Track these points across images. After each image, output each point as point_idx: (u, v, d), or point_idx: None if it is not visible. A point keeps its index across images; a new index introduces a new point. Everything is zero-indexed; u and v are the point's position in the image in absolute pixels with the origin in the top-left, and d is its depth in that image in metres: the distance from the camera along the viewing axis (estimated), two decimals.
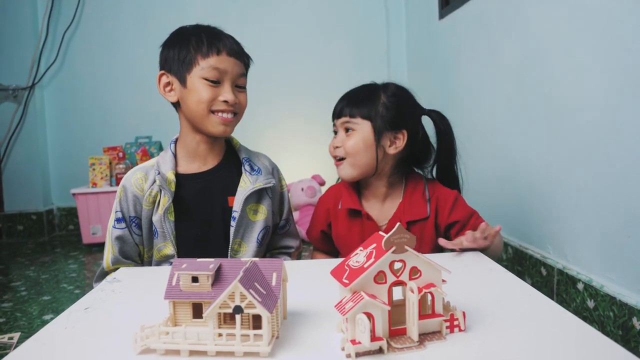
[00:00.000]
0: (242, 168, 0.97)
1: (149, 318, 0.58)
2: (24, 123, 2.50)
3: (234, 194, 0.94)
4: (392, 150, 0.99)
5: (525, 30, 1.35)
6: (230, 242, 0.93)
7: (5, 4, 2.42)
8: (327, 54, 2.66)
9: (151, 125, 2.59)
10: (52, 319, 0.61)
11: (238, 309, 0.48)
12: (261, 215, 0.96)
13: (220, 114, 0.90)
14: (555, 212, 1.25)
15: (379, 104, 0.98)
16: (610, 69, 1.02)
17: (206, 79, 0.88)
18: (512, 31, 1.43)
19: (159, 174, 0.91)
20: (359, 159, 0.98)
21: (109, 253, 0.92)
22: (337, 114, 1.02)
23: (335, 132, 1.03)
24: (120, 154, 2.39)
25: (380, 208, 1.02)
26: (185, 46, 0.90)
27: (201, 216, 0.94)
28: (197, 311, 0.53)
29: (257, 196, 0.97)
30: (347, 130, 1.00)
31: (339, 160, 1.01)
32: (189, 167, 0.96)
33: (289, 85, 2.67)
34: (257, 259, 0.55)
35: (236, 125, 0.95)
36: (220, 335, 0.50)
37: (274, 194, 1.01)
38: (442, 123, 1.05)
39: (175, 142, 0.98)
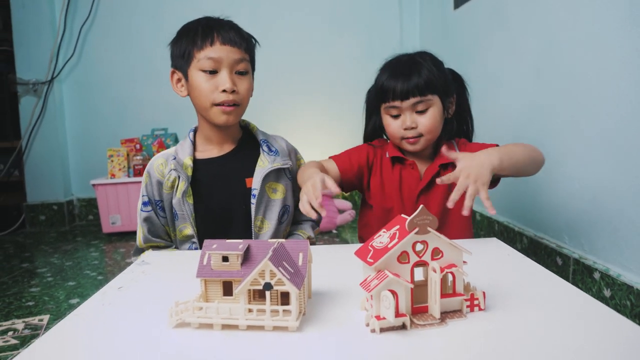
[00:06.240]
0: (261, 149, 1.01)
1: (179, 296, 0.61)
2: (44, 116, 2.56)
3: (251, 175, 0.98)
4: (448, 116, 1.02)
5: (544, 18, 1.35)
6: (253, 219, 0.96)
7: (24, 0, 2.47)
8: (339, 46, 2.67)
9: (167, 117, 2.64)
10: (78, 303, 0.65)
11: (268, 286, 0.51)
12: (280, 194, 1.00)
13: (221, 105, 0.93)
14: (571, 202, 1.26)
15: (434, 75, 0.96)
16: (630, 58, 1.01)
17: (203, 70, 0.91)
18: (531, 19, 1.42)
19: (174, 159, 0.96)
20: (435, 134, 1.00)
21: (140, 233, 0.99)
22: (400, 95, 0.96)
23: (396, 115, 0.99)
24: (138, 146, 2.44)
25: (420, 159, 1.05)
26: (184, 42, 0.95)
27: (220, 198, 0.98)
28: (227, 289, 0.56)
29: (275, 175, 1.00)
30: (419, 110, 0.97)
31: (414, 138, 0.99)
32: (206, 152, 1.00)
33: (302, 78, 2.68)
34: (283, 240, 0.58)
35: (242, 114, 0.98)
36: (250, 310, 0.52)
37: (292, 174, 1.05)
38: (457, 80, 1.07)
39: (195, 130, 1.02)
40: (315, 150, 2.60)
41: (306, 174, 0.89)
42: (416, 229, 0.51)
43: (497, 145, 0.96)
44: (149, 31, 2.63)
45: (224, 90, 0.91)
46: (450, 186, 1.01)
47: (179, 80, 0.98)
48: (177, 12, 2.62)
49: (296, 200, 1.10)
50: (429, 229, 0.51)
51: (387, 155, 1.06)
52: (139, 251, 0.99)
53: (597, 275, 1.13)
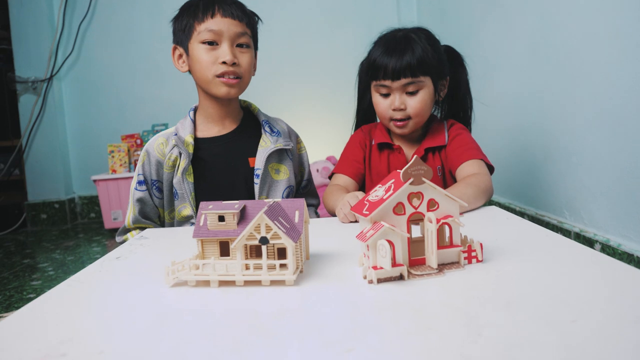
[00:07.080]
0: (262, 129, 1.00)
1: None
2: (44, 114, 2.56)
3: (254, 155, 0.98)
4: (440, 98, 0.99)
5: None
6: (257, 199, 0.96)
7: None
8: (338, 38, 2.67)
9: (167, 113, 2.64)
10: None
11: (264, 240, 0.51)
12: (283, 175, 1.00)
13: (223, 77, 0.92)
14: (570, 177, 1.25)
15: (428, 55, 0.92)
16: (624, 34, 1.01)
17: (204, 43, 0.91)
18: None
19: (175, 135, 0.95)
20: (424, 117, 0.98)
21: (130, 213, 0.98)
22: (392, 75, 0.92)
23: (386, 94, 0.97)
24: (138, 141, 2.44)
25: (407, 143, 1.04)
26: (185, 16, 0.95)
27: (222, 178, 0.97)
28: (224, 249, 0.56)
29: (278, 156, 1.00)
30: (409, 91, 0.94)
31: (402, 121, 0.97)
32: (208, 132, 0.99)
33: (302, 70, 2.68)
34: (279, 199, 0.57)
35: (244, 88, 0.97)
36: (247, 267, 0.52)
37: (293, 156, 1.05)
38: (456, 59, 1.05)
39: (195, 109, 1.01)
40: (315, 141, 2.60)
41: (334, 197, 0.92)
42: (411, 179, 0.51)
43: (480, 160, 0.94)
44: (148, 27, 2.63)
45: (224, 62, 0.90)
46: (441, 170, 1.01)
47: (180, 56, 0.97)
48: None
49: (298, 181, 1.11)
50: (423, 179, 0.51)
51: (373, 143, 1.05)
52: (125, 231, 0.98)
53: (597, 247, 1.13)
